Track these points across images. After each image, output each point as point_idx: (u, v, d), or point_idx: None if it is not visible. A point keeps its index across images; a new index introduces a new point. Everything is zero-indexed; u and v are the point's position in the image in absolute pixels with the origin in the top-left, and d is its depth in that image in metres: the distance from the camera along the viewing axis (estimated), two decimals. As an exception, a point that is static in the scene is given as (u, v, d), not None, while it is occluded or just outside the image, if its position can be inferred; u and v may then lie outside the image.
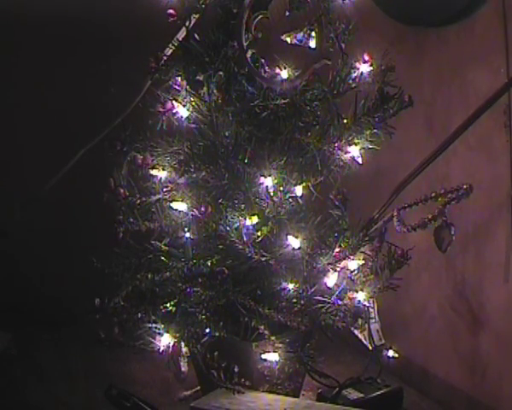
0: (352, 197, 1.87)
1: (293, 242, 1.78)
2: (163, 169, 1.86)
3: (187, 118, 1.84)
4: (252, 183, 1.81)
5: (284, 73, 1.82)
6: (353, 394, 1.95)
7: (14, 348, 2.28)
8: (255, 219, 1.84)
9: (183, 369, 1.92)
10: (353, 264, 1.86)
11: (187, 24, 1.84)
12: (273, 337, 1.86)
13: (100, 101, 2.21)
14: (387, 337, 1.99)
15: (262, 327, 1.84)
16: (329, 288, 1.83)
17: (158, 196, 1.87)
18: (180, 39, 1.87)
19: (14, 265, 2.46)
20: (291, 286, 1.84)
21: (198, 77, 1.83)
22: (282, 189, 1.84)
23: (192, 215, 1.85)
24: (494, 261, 1.93)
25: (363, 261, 1.87)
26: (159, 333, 1.86)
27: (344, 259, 1.82)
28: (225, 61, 1.83)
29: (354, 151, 1.85)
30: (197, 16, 1.84)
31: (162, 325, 1.86)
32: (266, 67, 1.85)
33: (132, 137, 1.87)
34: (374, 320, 1.95)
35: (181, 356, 1.90)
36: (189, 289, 1.87)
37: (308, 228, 1.82)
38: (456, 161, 2.01)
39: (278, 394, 1.92)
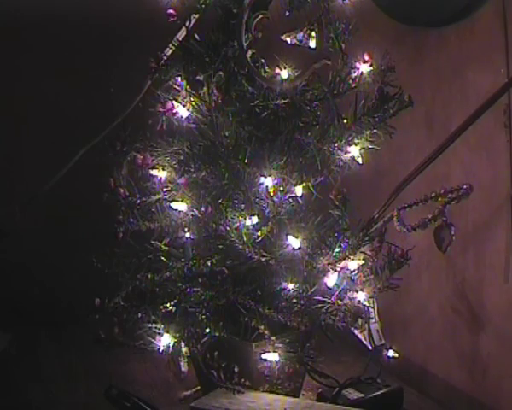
0: (352, 197, 1.87)
1: (293, 242, 1.78)
2: (163, 169, 1.87)
3: (187, 118, 1.85)
4: (252, 183, 1.81)
5: (284, 73, 1.82)
6: (353, 394, 1.95)
7: (14, 348, 2.28)
8: (255, 219, 1.84)
9: (183, 369, 1.92)
10: (353, 264, 1.86)
11: (187, 24, 1.84)
12: (273, 337, 1.86)
13: (100, 101, 2.21)
14: (387, 337, 1.99)
15: (262, 327, 1.84)
16: (329, 288, 1.84)
17: (158, 196, 1.87)
18: (180, 39, 1.87)
19: (14, 265, 2.46)
20: (291, 286, 1.84)
21: (198, 77, 1.84)
22: (282, 189, 1.84)
23: (192, 215, 1.85)
24: (494, 261, 1.93)
25: (363, 261, 1.87)
26: (159, 333, 1.86)
27: (344, 259, 1.83)
28: (225, 61, 1.83)
29: (354, 151, 1.85)
30: (197, 16, 1.85)
31: (162, 325, 1.86)
32: (266, 67, 1.85)
33: (132, 137, 1.87)
34: (374, 320, 1.95)
35: (181, 356, 1.90)
36: (189, 289, 1.87)
37: (308, 228, 1.82)
38: (456, 161, 2.01)
39: (278, 394, 1.92)
